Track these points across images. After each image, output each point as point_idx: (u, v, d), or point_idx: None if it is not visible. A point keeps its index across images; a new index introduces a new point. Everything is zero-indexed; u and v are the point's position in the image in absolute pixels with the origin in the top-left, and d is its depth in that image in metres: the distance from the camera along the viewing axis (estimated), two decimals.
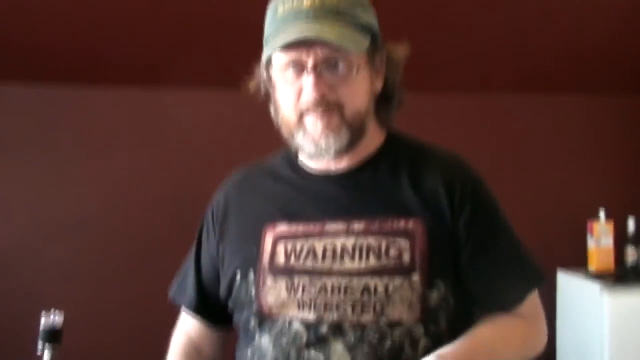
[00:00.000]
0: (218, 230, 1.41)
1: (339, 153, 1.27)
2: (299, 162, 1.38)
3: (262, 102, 1.37)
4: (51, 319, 1.28)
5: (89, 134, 3.26)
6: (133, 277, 3.17)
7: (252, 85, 1.36)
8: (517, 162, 3.44)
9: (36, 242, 3.17)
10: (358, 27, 1.23)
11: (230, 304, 1.35)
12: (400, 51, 1.34)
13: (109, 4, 2.78)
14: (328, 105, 1.23)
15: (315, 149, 1.26)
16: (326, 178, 1.34)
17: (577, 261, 3.27)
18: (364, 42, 1.24)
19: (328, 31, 1.19)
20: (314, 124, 1.24)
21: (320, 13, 1.20)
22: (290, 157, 1.40)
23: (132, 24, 2.86)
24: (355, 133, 1.27)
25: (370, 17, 1.28)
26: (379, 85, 1.32)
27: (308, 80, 1.22)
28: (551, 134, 3.51)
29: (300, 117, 1.26)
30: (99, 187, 3.25)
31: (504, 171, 3.20)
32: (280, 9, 1.24)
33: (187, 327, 1.48)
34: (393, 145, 1.38)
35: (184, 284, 1.47)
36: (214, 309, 1.42)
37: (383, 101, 1.35)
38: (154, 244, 3.18)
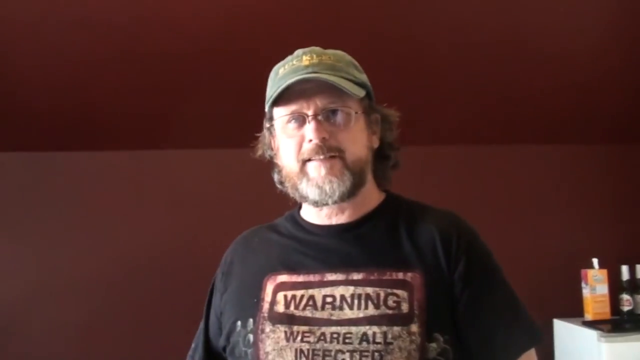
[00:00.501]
0: (223, 285, 1.45)
1: (343, 198, 1.31)
2: (302, 218, 1.43)
3: (260, 159, 1.43)
4: None
5: (90, 197, 3.31)
6: (136, 338, 3.16)
7: (257, 149, 1.43)
8: (510, 212, 3.47)
9: (38, 305, 3.18)
10: (353, 82, 1.33)
11: (229, 356, 1.37)
12: (394, 114, 1.42)
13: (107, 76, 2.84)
14: (330, 150, 1.29)
15: (319, 193, 1.31)
16: (327, 231, 1.38)
17: (573, 310, 3.27)
18: (359, 91, 1.33)
19: (326, 77, 1.28)
20: (317, 169, 1.30)
21: (318, 68, 1.30)
22: (294, 215, 1.46)
23: (130, 92, 2.92)
24: (356, 179, 1.32)
25: (363, 78, 1.38)
26: (375, 143, 1.39)
27: (309, 127, 1.29)
28: (542, 184, 3.55)
29: (303, 165, 1.31)
30: (101, 250, 3.28)
31: (496, 222, 3.23)
32: (281, 70, 1.34)
33: None
34: (392, 204, 1.43)
35: (197, 345, 1.50)
36: None
37: (380, 160, 1.41)
38: (157, 304, 3.20)
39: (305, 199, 1.35)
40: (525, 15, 2.81)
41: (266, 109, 1.38)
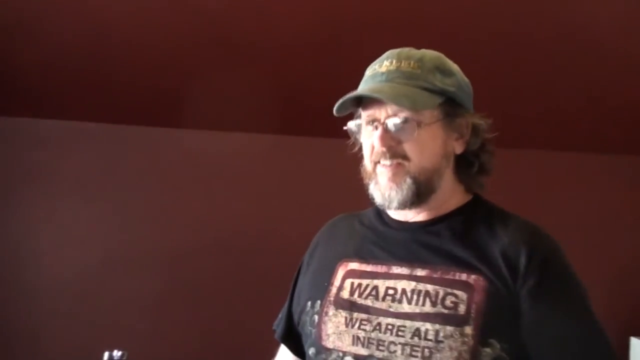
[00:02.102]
0: (306, 265, 1.53)
1: (404, 205, 1.33)
2: (385, 212, 1.45)
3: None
4: (113, 355, 1.30)
5: (169, 173, 3.38)
6: (207, 311, 3.23)
7: (352, 147, 1.45)
8: (587, 223, 3.36)
9: (111, 275, 3.28)
10: (428, 90, 1.32)
11: (301, 332, 1.43)
12: (481, 121, 1.39)
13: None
14: (394, 156, 1.31)
15: (382, 199, 1.35)
16: (402, 226, 1.40)
17: None
18: (428, 101, 1.31)
19: (387, 91, 1.30)
20: (382, 174, 1.34)
21: (392, 76, 1.33)
22: (378, 208, 1.47)
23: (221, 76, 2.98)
24: (421, 188, 1.32)
25: (448, 83, 1.35)
26: (458, 148, 1.38)
27: (376, 133, 1.32)
28: (623, 196, 3.42)
29: (374, 167, 1.35)
30: (176, 223, 3.37)
31: (572, 233, 3.11)
32: (368, 72, 1.38)
33: (282, 357, 1.58)
34: (473, 207, 1.41)
35: (282, 316, 1.56)
36: (299, 340, 1.48)
37: (465, 165, 1.40)
38: (229, 277, 3.26)
39: (372, 198, 1.38)
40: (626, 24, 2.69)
41: (341, 107, 1.39)
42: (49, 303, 3.27)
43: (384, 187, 1.33)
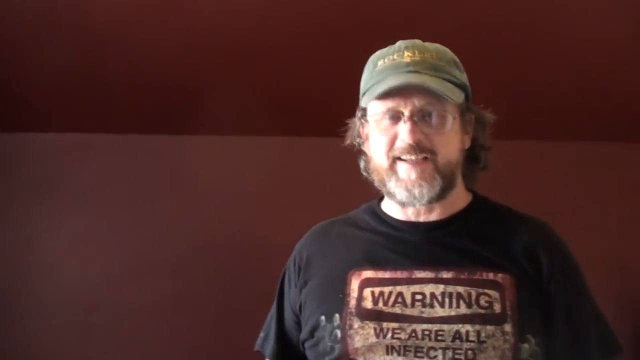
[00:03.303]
0: (301, 278, 1.43)
1: (431, 202, 1.31)
2: (384, 212, 1.42)
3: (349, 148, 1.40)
4: None
5: (163, 180, 3.40)
6: (219, 318, 3.24)
7: (346, 137, 1.42)
8: (597, 214, 3.34)
9: (124, 283, 3.28)
10: (454, 83, 1.30)
11: (309, 350, 1.37)
12: (488, 116, 1.38)
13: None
14: (422, 150, 1.27)
15: (407, 196, 1.30)
16: (414, 228, 1.36)
17: None
18: (460, 95, 1.29)
19: (429, 81, 1.25)
20: (407, 171, 1.28)
21: (419, 67, 1.27)
22: (374, 209, 1.44)
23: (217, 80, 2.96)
24: (446, 183, 1.30)
25: (463, 78, 1.34)
26: (466, 143, 1.36)
27: (405, 127, 1.26)
28: (633, 185, 3.39)
29: (393, 162, 1.30)
30: (186, 231, 3.36)
31: (581, 224, 3.11)
32: (380, 63, 1.32)
33: None
34: (480, 205, 1.42)
35: (268, 334, 1.50)
36: (294, 358, 1.44)
37: (469, 161, 1.39)
38: (240, 284, 3.25)
39: (392, 196, 1.34)
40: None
41: (361, 99, 1.35)
42: (55, 314, 3.27)
43: (411, 184, 1.28)
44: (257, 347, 1.53)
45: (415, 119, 1.26)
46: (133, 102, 3.16)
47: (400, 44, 1.33)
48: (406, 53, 1.29)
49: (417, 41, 1.33)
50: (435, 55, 1.30)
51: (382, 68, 1.30)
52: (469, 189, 1.43)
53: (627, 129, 3.29)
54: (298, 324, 1.42)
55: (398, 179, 1.29)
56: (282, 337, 1.46)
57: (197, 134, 3.34)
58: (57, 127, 3.33)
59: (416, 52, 1.29)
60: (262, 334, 1.53)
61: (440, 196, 1.30)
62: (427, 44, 1.33)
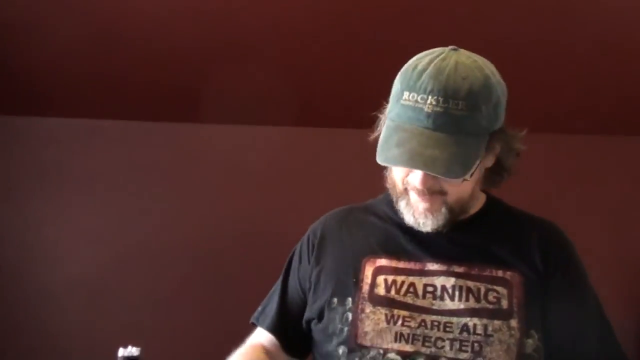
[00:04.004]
0: (314, 257, 1.47)
1: (436, 230, 1.34)
2: None
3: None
4: (128, 351, 1.31)
5: (179, 168, 3.39)
6: (220, 308, 3.23)
7: (374, 132, 1.39)
8: (604, 209, 3.32)
9: (117, 274, 3.30)
10: (475, 135, 1.25)
11: (317, 330, 1.40)
12: (519, 140, 1.38)
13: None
14: (431, 192, 1.30)
15: (413, 222, 1.35)
16: None
17: None
18: (476, 156, 1.26)
19: (440, 159, 1.21)
20: (416, 202, 1.33)
21: (439, 122, 1.21)
22: (393, 201, 1.45)
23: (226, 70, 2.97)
24: (454, 215, 1.34)
25: (493, 112, 1.27)
26: (489, 162, 1.37)
27: (417, 173, 1.28)
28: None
29: (405, 189, 1.34)
30: (187, 220, 3.36)
31: (587, 219, 3.12)
32: (405, 97, 1.25)
33: (261, 338, 1.53)
34: (494, 207, 1.46)
35: (267, 307, 1.54)
36: (292, 333, 1.48)
37: (492, 174, 1.41)
38: (241, 274, 3.25)
39: (400, 214, 1.38)
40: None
41: (389, 106, 1.32)
42: (62, 301, 3.29)
43: (417, 214, 1.33)
44: (252, 320, 1.56)
45: None
46: (140, 88, 3.15)
47: (428, 78, 1.23)
48: (430, 100, 1.21)
49: (450, 76, 1.22)
50: (461, 105, 1.21)
51: (405, 105, 1.25)
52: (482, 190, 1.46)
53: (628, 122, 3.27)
54: (303, 301, 1.46)
55: (408, 203, 1.34)
56: (283, 311, 1.50)
57: (205, 122, 3.34)
58: (63, 112, 3.33)
59: (441, 100, 1.21)
60: (260, 308, 1.56)
61: (445, 226, 1.34)
62: (460, 82, 1.22)
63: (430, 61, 1.25)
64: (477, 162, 1.28)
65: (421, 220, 1.32)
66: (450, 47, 1.31)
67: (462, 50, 1.30)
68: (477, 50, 1.34)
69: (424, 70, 1.23)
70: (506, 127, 1.34)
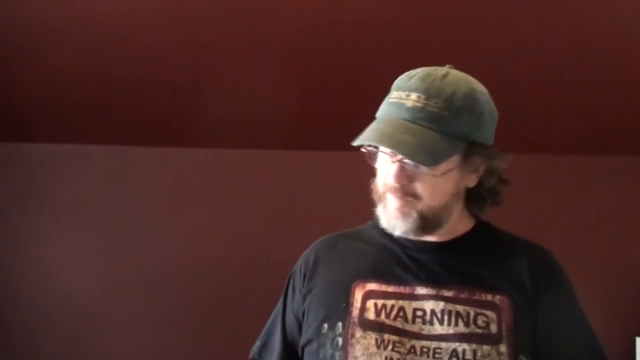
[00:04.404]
0: (306, 285, 1.46)
1: (407, 234, 1.35)
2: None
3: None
4: None
5: (156, 192, 3.39)
6: (210, 331, 3.23)
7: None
8: (591, 225, 3.35)
9: (114, 298, 3.28)
10: (451, 137, 1.27)
11: (308, 356, 1.39)
12: (499, 164, 1.38)
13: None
14: (405, 195, 1.30)
15: (386, 224, 1.35)
16: (418, 246, 1.39)
17: None
18: (447, 152, 1.28)
19: (408, 142, 1.24)
20: (391, 202, 1.33)
21: (417, 115, 1.26)
22: (380, 225, 1.45)
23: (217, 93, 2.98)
24: (426, 223, 1.32)
25: (474, 123, 1.30)
26: (471, 182, 1.37)
27: (392, 167, 1.30)
28: (625, 196, 3.41)
29: (384, 192, 1.34)
30: (176, 244, 3.36)
31: (577, 235, 3.15)
32: (393, 95, 1.32)
33: None
34: (483, 230, 1.45)
35: (270, 340, 1.53)
36: None
37: (477, 198, 1.41)
38: (221, 299, 3.25)
39: (378, 219, 1.39)
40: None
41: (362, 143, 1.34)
42: (51, 324, 3.27)
43: (390, 214, 1.33)
44: (253, 355, 1.54)
45: (405, 162, 1.28)
46: (129, 113, 3.16)
47: (417, 79, 1.30)
48: (413, 95, 1.27)
49: (437, 79, 1.29)
50: (441, 104, 1.26)
51: (389, 105, 1.31)
52: (473, 214, 1.45)
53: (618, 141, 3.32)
54: (300, 330, 1.45)
55: (385, 207, 1.34)
56: (287, 344, 1.49)
57: (192, 146, 3.35)
58: (51, 137, 3.33)
59: (422, 97, 1.27)
60: (259, 343, 1.55)
61: (418, 233, 1.33)
62: (445, 84, 1.29)
63: (424, 69, 1.33)
64: (447, 160, 1.27)
65: (392, 222, 1.33)
66: (448, 65, 1.38)
67: (457, 70, 1.36)
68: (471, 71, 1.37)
69: (416, 74, 1.31)
70: (492, 148, 1.36)
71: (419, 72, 1.32)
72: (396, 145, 1.24)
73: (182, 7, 2.64)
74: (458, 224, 1.41)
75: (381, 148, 1.30)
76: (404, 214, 1.31)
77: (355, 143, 1.30)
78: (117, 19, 2.69)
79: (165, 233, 3.36)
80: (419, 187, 1.29)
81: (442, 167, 1.28)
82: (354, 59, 2.79)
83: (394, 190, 1.30)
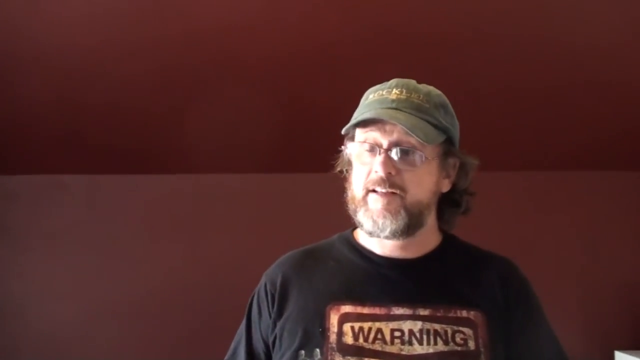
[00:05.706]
0: (275, 309, 1.41)
1: (395, 236, 1.32)
2: (359, 244, 1.43)
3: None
4: None
5: (133, 221, 3.38)
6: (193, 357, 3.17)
7: (337, 165, 1.43)
8: (570, 240, 3.39)
9: (81, 330, 3.24)
10: (434, 125, 1.32)
11: None
12: (473, 162, 1.41)
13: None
14: (392, 186, 1.29)
15: (373, 225, 1.31)
16: (390, 263, 1.38)
17: (637, 342, 3.17)
18: (436, 137, 1.32)
19: (403, 119, 1.28)
20: (375, 202, 1.30)
21: (403, 105, 1.32)
22: (350, 241, 1.45)
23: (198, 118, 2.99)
24: (412, 220, 1.31)
25: (449, 121, 1.37)
26: (445, 187, 1.39)
27: (378, 158, 1.29)
28: (605, 212, 3.46)
29: (366, 194, 1.32)
30: (144, 274, 3.34)
31: (558, 250, 3.18)
32: (371, 97, 1.37)
33: None
34: (451, 244, 1.45)
35: None
36: None
37: (448, 204, 1.42)
38: (200, 328, 3.22)
39: (361, 226, 1.36)
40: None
41: (349, 129, 1.36)
42: (28, 356, 3.22)
43: (376, 214, 1.30)
44: None
45: (393, 154, 1.29)
46: (104, 141, 3.15)
47: (393, 81, 1.38)
48: (395, 90, 1.34)
49: (412, 81, 1.38)
50: (422, 97, 1.34)
51: (370, 101, 1.35)
52: (440, 228, 1.45)
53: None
54: (267, 355, 1.41)
55: (367, 209, 1.31)
56: None
57: (169, 172, 3.34)
58: (25, 169, 3.31)
59: (404, 91, 1.34)
60: None
61: (404, 232, 1.31)
62: (421, 86, 1.37)
63: (396, 79, 1.39)
64: (435, 142, 1.31)
65: (380, 221, 1.30)
66: None
67: None
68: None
69: (389, 81, 1.39)
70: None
71: (392, 80, 1.39)
72: (394, 119, 1.27)
73: (155, 36, 2.64)
74: (430, 237, 1.41)
75: (367, 137, 1.31)
76: (392, 212, 1.29)
77: (352, 122, 1.31)
78: (90, 49, 2.69)
79: (143, 262, 3.33)
80: (406, 177, 1.29)
81: (428, 154, 1.31)
82: (329, 85, 2.82)
83: (380, 183, 1.29)
